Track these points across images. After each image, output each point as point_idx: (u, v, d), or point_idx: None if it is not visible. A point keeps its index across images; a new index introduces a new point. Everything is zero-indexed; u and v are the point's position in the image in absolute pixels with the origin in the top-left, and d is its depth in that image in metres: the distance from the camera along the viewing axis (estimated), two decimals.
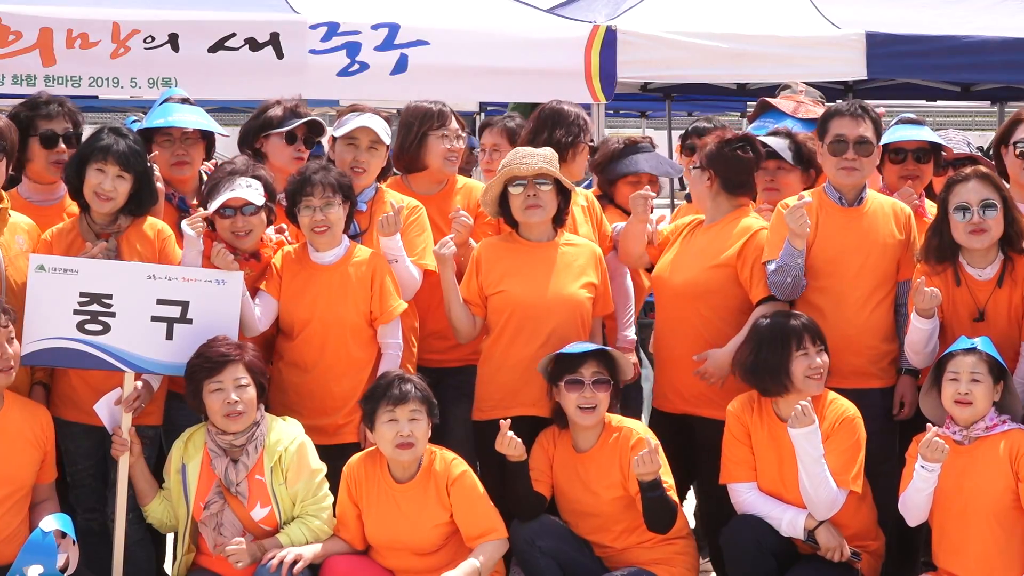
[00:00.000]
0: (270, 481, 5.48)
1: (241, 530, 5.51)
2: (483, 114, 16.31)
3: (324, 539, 5.56)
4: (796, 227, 5.74)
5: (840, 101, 6.18)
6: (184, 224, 5.69)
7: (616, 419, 5.76)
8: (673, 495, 5.62)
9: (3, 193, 5.70)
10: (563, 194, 5.95)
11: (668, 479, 5.60)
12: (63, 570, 5.21)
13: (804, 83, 7.48)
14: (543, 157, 5.91)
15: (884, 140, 6.25)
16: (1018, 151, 5.96)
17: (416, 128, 6.21)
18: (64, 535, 5.24)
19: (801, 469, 5.51)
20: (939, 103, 10.80)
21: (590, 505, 5.71)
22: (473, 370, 6.05)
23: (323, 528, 5.54)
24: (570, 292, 5.91)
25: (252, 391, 5.49)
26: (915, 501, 5.48)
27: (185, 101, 6.35)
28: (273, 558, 5.37)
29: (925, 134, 6.45)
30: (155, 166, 5.90)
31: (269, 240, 5.93)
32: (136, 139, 5.75)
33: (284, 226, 6.03)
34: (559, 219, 5.99)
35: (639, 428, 5.78)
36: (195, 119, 6.17)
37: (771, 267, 5.81)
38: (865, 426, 5.65)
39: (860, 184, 5.99)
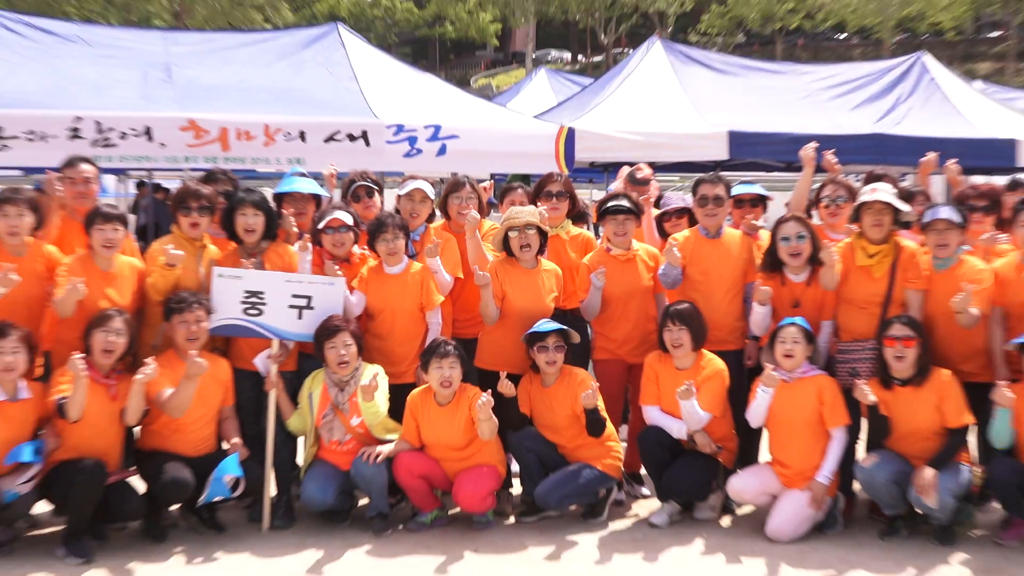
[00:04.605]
0: (361, 401, 5.44)
1: (344, 431, 5.47)
2: (493, 181, 16.16)
3: (392, 431, 5.46)
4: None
5: (706, 174, 6.14)
6: (296, 245, 5.70)
7: (568, 368, 5.63)
8: (603, 414, 5.50)
9: (206, 234, 5.68)
10: (542, 236, 5.77)
11: (601, 406, 5.51)
12: (234, 489, 5.11)
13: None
14: (530, 212, 5.71)
15: (732, 193, 6.19)
16: (825, 205, 5.99)
17: (444, 192, 6.18)
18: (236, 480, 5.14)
19: (684, 410, 5.44)
20: (774, 174, 10.84)
21: (552, 420, 5.60)
22: None
23: (392, 424, 5.49)
24: (547, 304, 5.73)
25: (354, 348, 5.48)
26: (756, 411, 5.51)
27: (301, 175, 6.31)
28: (363, 454, 5.36)
29: (756, 189, 6.40)
30: (285, 213, 5.89)
31: (354, 255, 5.90)
32: (261, 195, 5.67)
33: (367, 247, 5.94)
34: (540, 251, 5.80)
35: (582, 373, 5.63)
36: (310, 186, 6.17)
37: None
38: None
39: (718, 224, 5.91)
